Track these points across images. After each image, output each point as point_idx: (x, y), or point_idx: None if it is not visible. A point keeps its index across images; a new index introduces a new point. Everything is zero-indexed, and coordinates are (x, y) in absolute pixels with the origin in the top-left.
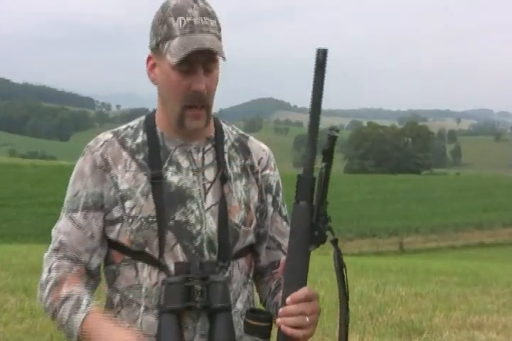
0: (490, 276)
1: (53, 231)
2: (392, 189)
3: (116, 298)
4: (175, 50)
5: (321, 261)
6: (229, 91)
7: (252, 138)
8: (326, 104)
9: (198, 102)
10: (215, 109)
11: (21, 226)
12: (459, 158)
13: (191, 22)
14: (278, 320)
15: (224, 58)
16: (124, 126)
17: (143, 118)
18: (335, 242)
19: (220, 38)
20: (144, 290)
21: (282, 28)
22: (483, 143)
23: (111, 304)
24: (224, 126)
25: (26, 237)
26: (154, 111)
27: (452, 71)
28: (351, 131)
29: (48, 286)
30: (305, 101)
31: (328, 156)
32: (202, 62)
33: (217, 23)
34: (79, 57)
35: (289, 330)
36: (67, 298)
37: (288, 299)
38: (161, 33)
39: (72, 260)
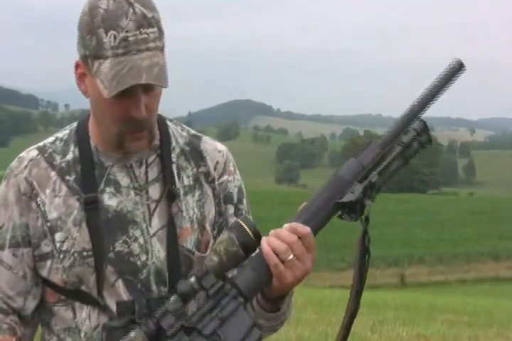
0: (506, 316)
1: None
2: (392, 211)
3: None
4: (106, 80)
5: (307, 293)
6: (200, 90)
7: (205, 138)
8: (315, 109)
9: (138, 129)
10: (182, 113)
11: None
12: (472, 176)
13: (125, 39)
14: (263, 239)
15: (166, 86)
16: (51, 139)
17: (74, 126)
18: (366, 220)
19: (162, 48)
20: (83, 334)
21: (267, 17)
22: (500, 158)
23: None
24: (171, 127)
25: None
26: (88, 118)
27: (466, 72)
28: (344, 140)
29: None
30: (290, 104)
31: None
32: (142, 86)
33: (159, 29)
34: (20, 46)
35: (267, 249)
36: None
37: (286, 225)
38: (90, 46)
39: (3, 310)
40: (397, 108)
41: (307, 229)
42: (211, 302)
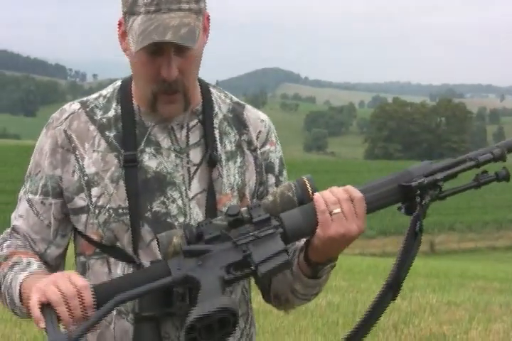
0: None
1: (12, 215)
2: None
3: None
4: (135, 35)
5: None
6: (226, 58)
7: (248, 106)
8: (344, 77)
9: (170, 90)
10: (210, 81)
11: None
12: None
13: None
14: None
15: (192, 47)
16: (95, 95)
17: (118, 84)
18: (422, 205)
19: (197, 11)
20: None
21: None
22: None
23: None
24: (214, 94)
25: None
26: (130, 78)
27: (496, 37)
28: (374, 108)
29: None
30: (318, 72)
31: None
32: (173, 44)
33: None
34: (47, 17)
35: (318, 196)
36: (16, 263)
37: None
38: (127, 3)
39: (26, 246)
40: (426, 75)
41: (360, 194)
42: (253, 227)
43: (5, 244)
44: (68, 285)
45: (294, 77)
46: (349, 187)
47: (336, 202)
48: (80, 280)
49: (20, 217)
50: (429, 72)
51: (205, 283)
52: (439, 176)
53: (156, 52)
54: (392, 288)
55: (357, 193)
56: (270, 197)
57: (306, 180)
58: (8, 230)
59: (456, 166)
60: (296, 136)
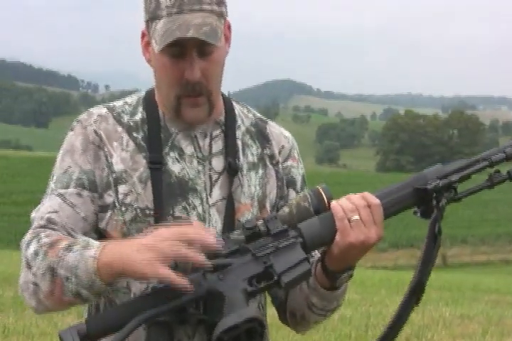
0: None
1: (33, 215)
2: None
3: (101, 302)
4: (158, 36)
5: None
6: (239, 70)
7: (272, 122)
8: (355, 88)
9: (193, 92)
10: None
11: None
12: None
13: None
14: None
15: (215, 43)
16: (120, 102)
17: (142, 94)
18: (440, 210)
19: (219, 14)
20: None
21: None
22: None
23: (94, 308)
24: (237, 108)
25: None
26: (153, 89)
27: (509, 49)
28: (385, 120)
29: (42, 251)
30: (330, 84)
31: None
32: (194, 45)
33: None
34: (60, 27)
35: (335, 204)
36: (73, 244)
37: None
38: (150, 9)
39: (67, 236)
40: (437, 87)
41: (377, 200)
42: (271, 239)
43: (43, 234)
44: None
45: (306, 88)
46: (366, 193)
47: (354, 209)
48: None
49: (55, 211)
50: (440, 83)
51: (229, 296)
52: (453, 178)
53: (179, 55)
54: (415, 293)
55: (374, 200)
56: (286, 209)
57: (321, 190)
58: (35, 224)
59: (469, 167)
60: (308, 148)
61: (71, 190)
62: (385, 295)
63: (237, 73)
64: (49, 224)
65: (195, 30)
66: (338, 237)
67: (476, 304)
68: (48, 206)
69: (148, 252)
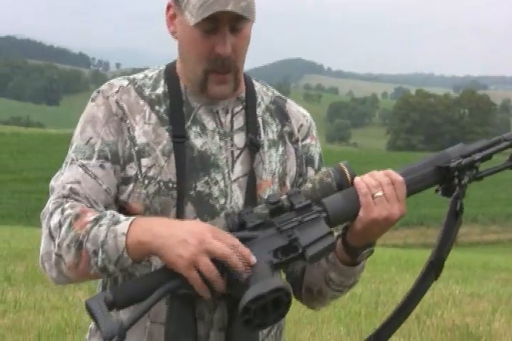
0: None
1: (53, 183)
2: None
3: (120, 276)
4: (194, 9)
5: None
6: (250, 49)
7: (290, 101)
8: (366, 68)
9: (222, 67)
10: None
11: (1, 206)
12: None
13: None
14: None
15: (252, 19)
16: (140, 75)
17: (162, 67)
18: (461, 185)
19: None
20: (153, 268)
21: None
22: None
23: (113, 283)
24: (257, 85)
25: (7, 219)
26: (175, 62)
27: None
28: (396, 100)
29: (67, 222)
30: (341, 63)
31: None
32: (228, 20)
33: None
34: (71, 5)
35: (359, 180)
36: (100, 217)
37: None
38: None
39: (91, 208)
40: (449, 67)
41: (400, 177)
42: (295, 213)
43: (66, 205)
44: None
45: (317, 67)
46: (389, 171)
47: (378, 186)
48: (230, 239)
49: (77, 182)
50: (452, 63)
51: (254, 267)
52: (476, 157)
53: (211, 30)
54: (434, 267)
55: (398, 177)
56: (309, 184)
57: (343, 166)
58: (57, 194)
59: (491, 147)
60: (319, 127)
61: (94, 161)
62: (395, 273)
63: (249, 52)
64: (72, 194)
65: (234, 4)
66: (361, 213)
67: (486, 282)
68: (70, 176)
69: (191, 240)
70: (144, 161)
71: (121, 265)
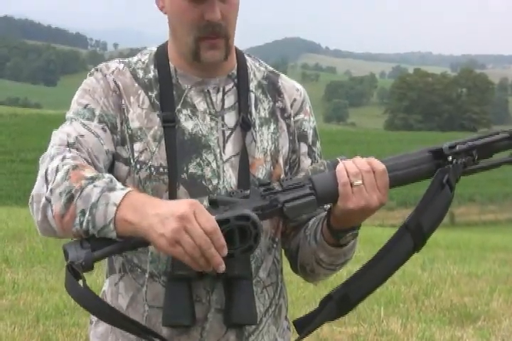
0: None
1: (55, 132)
2: None
3: (118, 262)
4: None
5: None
6: (247, 29)
7: (283, 76)
8: (363, 47)
9: (213, 34)
10: None
11: None
12: None
13: None
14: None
15: None
16: (134, 58)
17: (153, 50)
18: (454, 164)
19: None
20: (149, 254)
21: None
22: None
23: (112, 270)
24: (249, 61)
25: (5, 200)
26: (166, 43)
27: None
28: (394, 79)
29: (64, 169)
30: (339, 42)
31: None
32: None
33: None
34: None
35: (341, 167)
36: (96, 178)
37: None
38: None
39: (89, 164)
40: (447, 45)
41: (382, 166)
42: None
43: (69, 154)
44: (199, 232)
45: (315, 46)
46: (372, 159)
47: (358, 174)
48: (209, 222)
49: (81, 135)
50: (450, 42)
51: None
52: (473, 143)
53: None
54: (411, 233)
55: (379, 165)
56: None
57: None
58: (61, 141)
59: (487, 137)
60: (317, 107)
61: (95, 123)
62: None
63: (246, 31)
64: (77, 143)
65: None
66: (339, 202)
67: (483, 262)
68: (73, 130)
69: (171, 219)
70: (136, 146)
71: (104, 234)
